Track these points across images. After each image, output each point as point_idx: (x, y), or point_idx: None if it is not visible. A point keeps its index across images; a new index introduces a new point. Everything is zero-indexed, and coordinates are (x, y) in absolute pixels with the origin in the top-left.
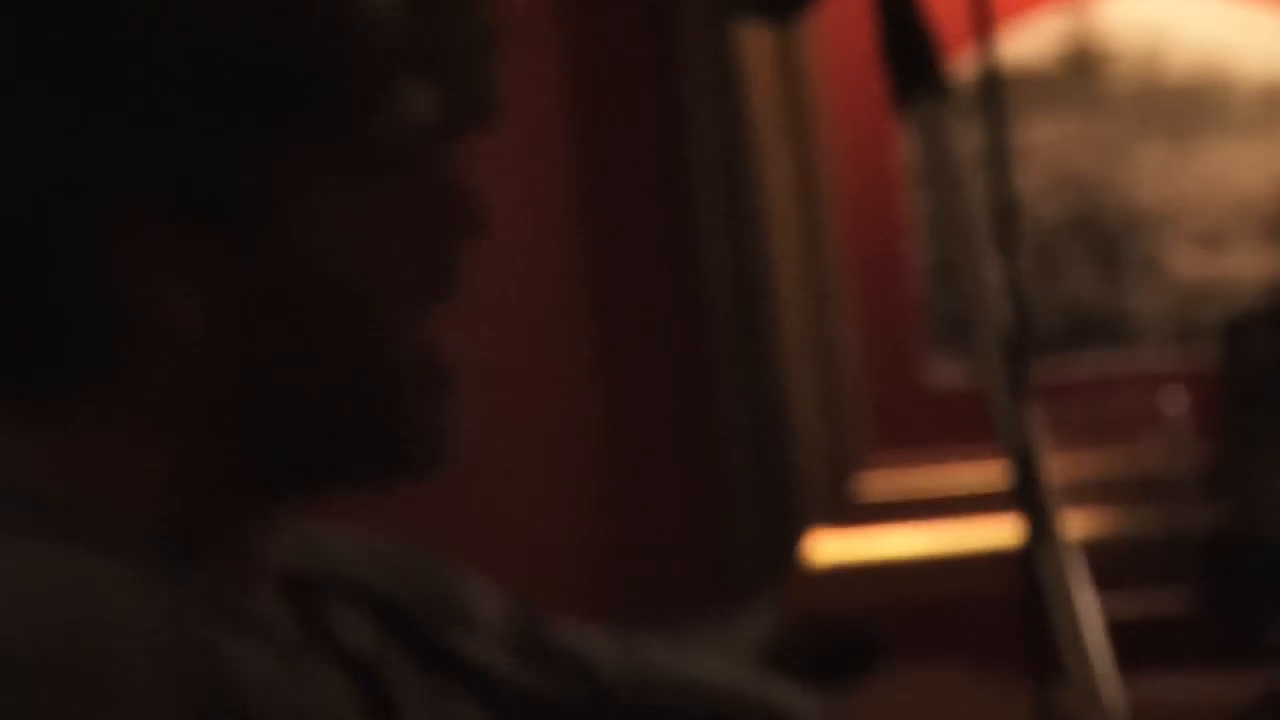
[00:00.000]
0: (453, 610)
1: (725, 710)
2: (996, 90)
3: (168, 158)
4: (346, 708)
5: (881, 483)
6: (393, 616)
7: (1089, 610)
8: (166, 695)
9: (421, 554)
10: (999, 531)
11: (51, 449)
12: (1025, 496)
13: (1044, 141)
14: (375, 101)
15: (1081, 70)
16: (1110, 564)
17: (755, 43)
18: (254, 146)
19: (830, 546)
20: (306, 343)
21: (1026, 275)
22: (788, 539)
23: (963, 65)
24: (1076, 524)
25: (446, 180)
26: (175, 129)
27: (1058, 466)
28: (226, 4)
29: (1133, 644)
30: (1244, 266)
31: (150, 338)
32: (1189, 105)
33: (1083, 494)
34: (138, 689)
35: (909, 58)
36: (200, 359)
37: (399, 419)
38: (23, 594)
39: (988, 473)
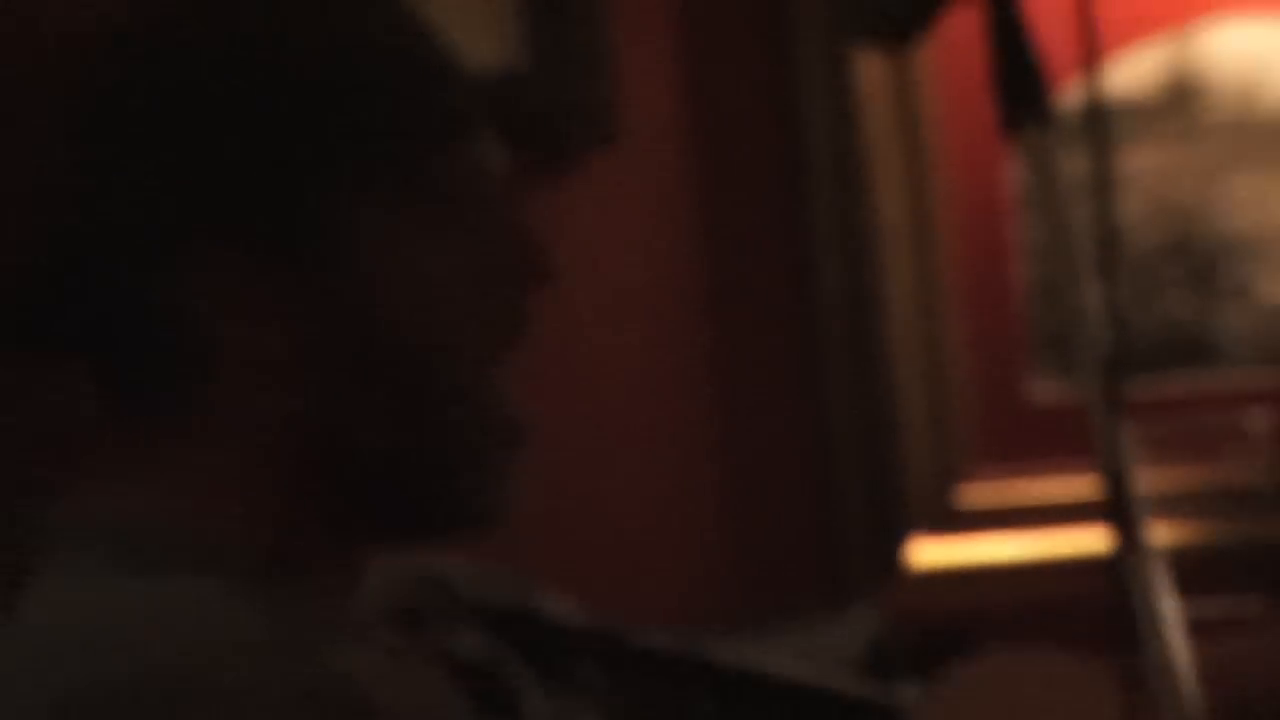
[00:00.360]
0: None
1: (803, 703)
2: (1100, 119)
3: (247, 200)
4: (459, 703)
5: (983, 492)
6: (510, 627)
7: (1172, 613)
8: (297, 707)
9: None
10: (1092, 539)
11: (159, 487)
12: (1117, 507)
13: (1144, 169)
14: (445, 148)
15: (1181, 100)
16: (1194, 570)
17: (870, 69)
18: (331, 190)
19: (933, 551)
20: (376, 387)
21: (1124, 297)
22: (893, 544)
23: (1068, 94)
24: (1164, 533)
25: (515, 228)
26: (254, 173)
27: (1148, 479)
28: (305, 54)
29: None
30: None
31: (237, 378)
32: None
33: (1171, 505)
34: (275, 704)
35: (1018, 87)
36: (283, 400)
37: (463, 471)
38: (156, 628)
39: (1083, 484)
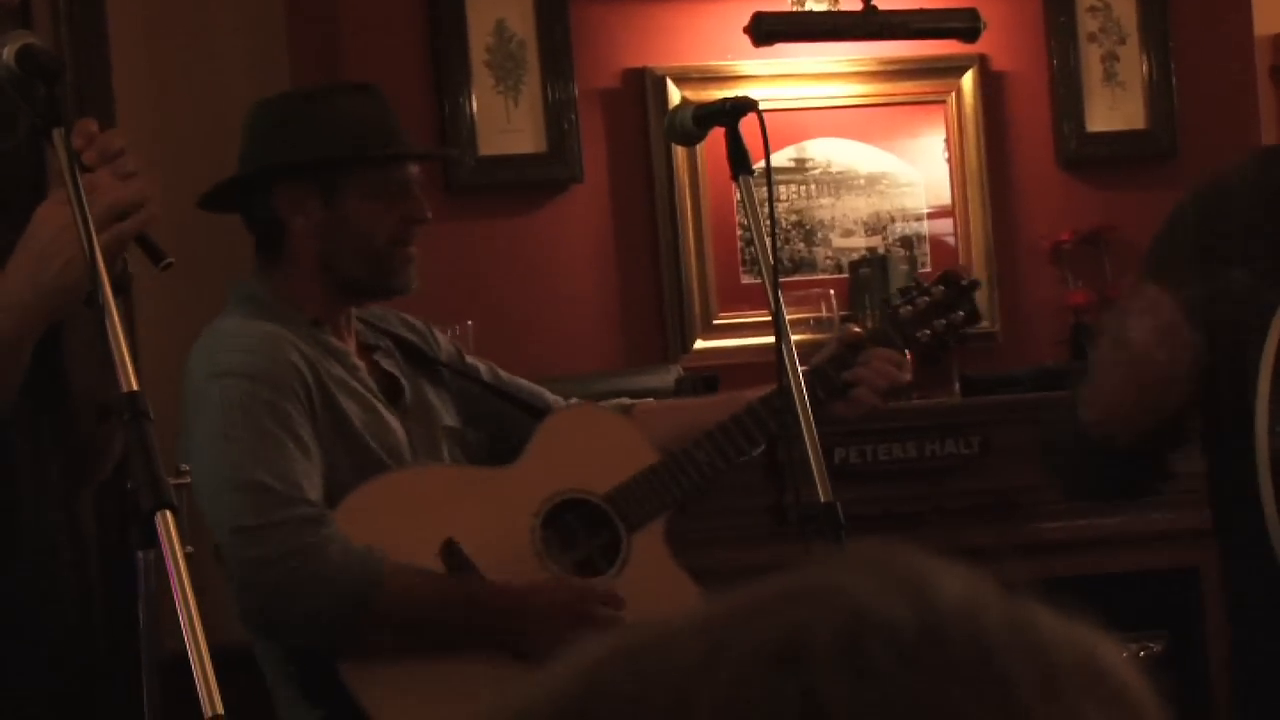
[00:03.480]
0: (432, 345)
1: None
2: (770, 181)
3: (300, 174)
4: (377, 390)
5: (724, 318)
6: (407, 348)
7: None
8: (300, 375)
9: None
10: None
11: (268, 283)
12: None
13: None
14: (381, 157)
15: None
16: None
17: (680, 151)
18: (332, 183)
19: (702, 343)
20: (347, 256)
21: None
22: (687, 339)
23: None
24: None
25: (409, 202)
26: (303, 168)
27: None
28: (320, 124)
29: None
30: None
31: (296, 241)
32: None
33: None
34: (290, 366)
35: (736, 159)
36: (315, 253)
37: (385, 278)
38: (240, 332)
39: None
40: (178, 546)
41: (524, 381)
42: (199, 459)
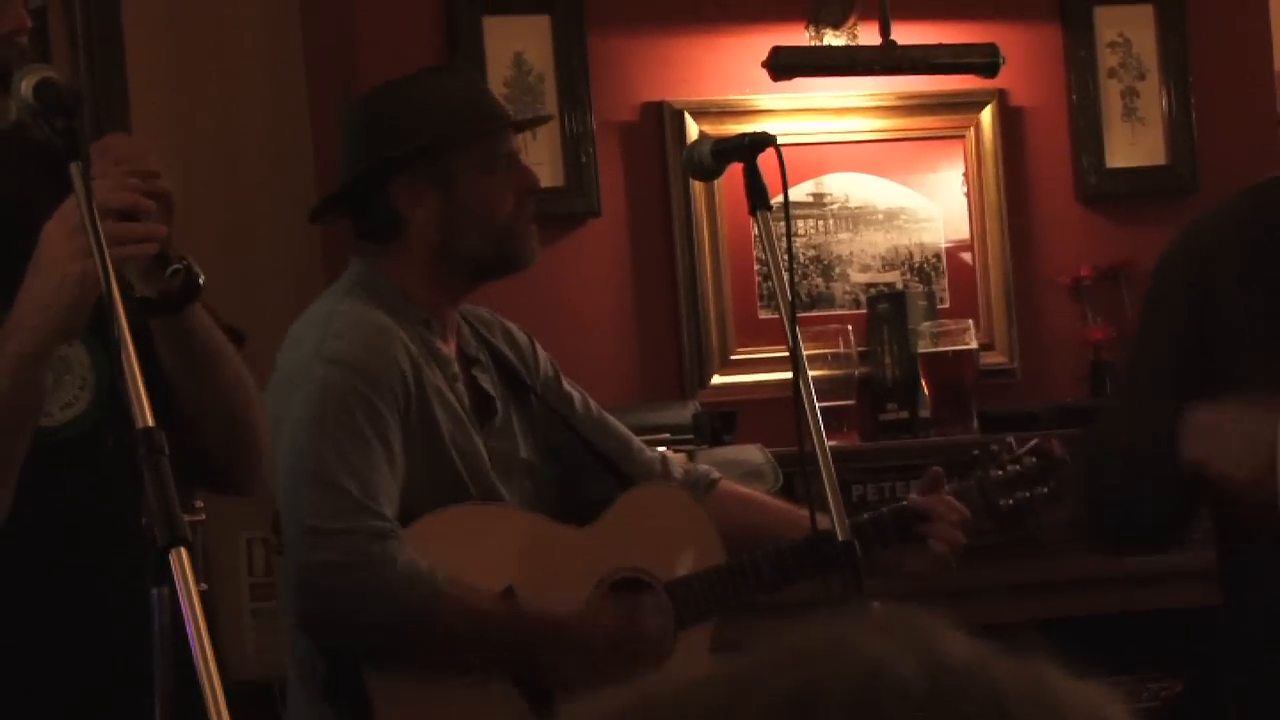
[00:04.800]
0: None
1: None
2: (788, 214)
3: (415, 164)
4: (469, 406)
5: (740, 354)
6: (505, 367)
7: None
8: (402, 379)
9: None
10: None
11: (385, 271)
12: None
13: None
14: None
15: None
16: None
17: (698, 187)
18: (449, 163)
19: (719, 378)
20: (472, 235)
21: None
22: (705, 373)
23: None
24: None
25: (520, 173)
26: (419, 157)
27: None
28: (425, 109)
29: None
30: None
31: (414, 230)
32: None
33: None
34: (396, 367)
35: (754, 195)
36: (435, 239)
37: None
38: (359, 320)
39: (782, 355)
40: (192, 584)
41: (613, 423)
42: (286, 437)
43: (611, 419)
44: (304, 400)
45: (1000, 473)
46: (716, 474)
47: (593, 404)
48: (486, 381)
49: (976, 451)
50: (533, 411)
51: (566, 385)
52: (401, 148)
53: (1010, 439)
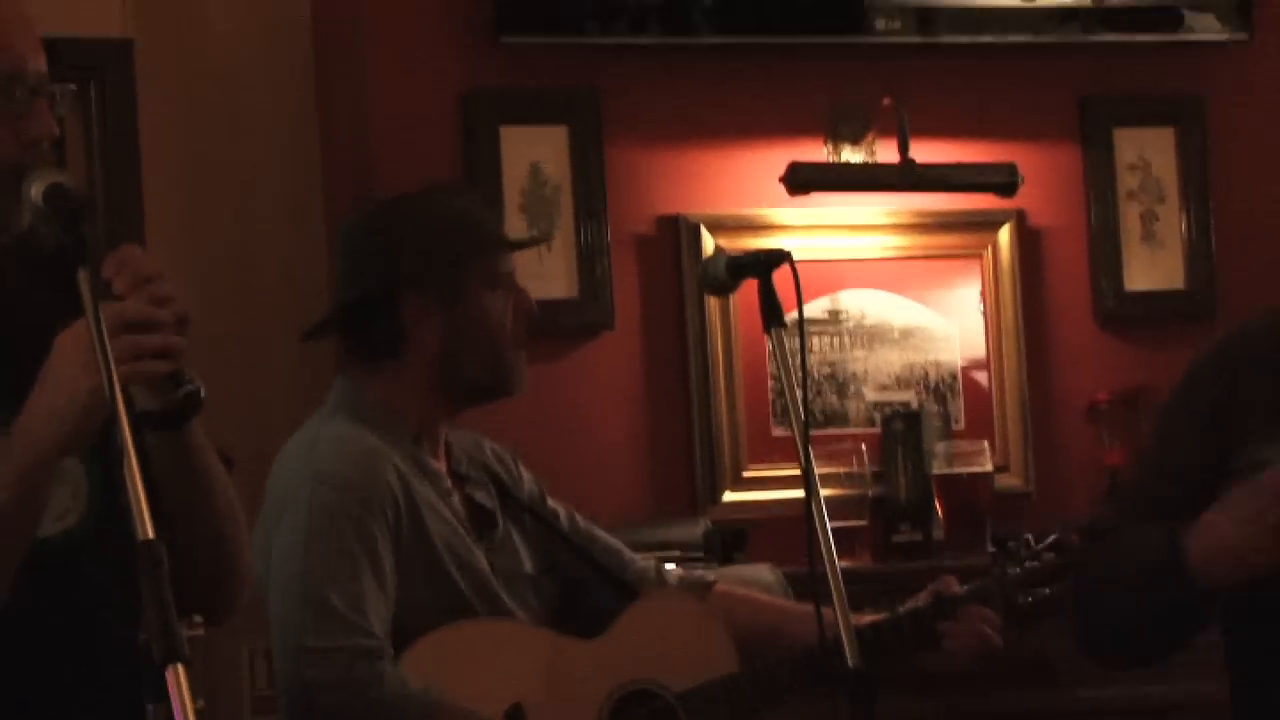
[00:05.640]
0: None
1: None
2: (803, 333)
3: (426, 280)
4: (466, 520)
5: (752, 471)
6: (498, 483)
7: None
8: (392, 496)
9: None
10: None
11: (373, 389)
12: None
13: None
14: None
15: None
16: None
17: (713, 301)
18: (458, 280)
19: (731, 495)
20: (472, 355)
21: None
22: (716, 490)
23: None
24: None
25: (519, 294)
26: (430, 273)
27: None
28: (436, 226)
29: None
30: None
31: (414, 348)
32: None
33: None
34: (385, 485)
35: (769, 312)
36: (435, 357)
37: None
38: (345, 440)
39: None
40: (189, 701)
41: (601, 534)
42: (278, 553)
43: (600, 531)
44: (293, 519)
45: (1019, 570)
46: (712, 577)
47: (579, 518)
48: (484, 497)
49: (993, 549)
50: (527, 527)
51: (552, 503)
52: (416, 264)
53: (1029, 535)
